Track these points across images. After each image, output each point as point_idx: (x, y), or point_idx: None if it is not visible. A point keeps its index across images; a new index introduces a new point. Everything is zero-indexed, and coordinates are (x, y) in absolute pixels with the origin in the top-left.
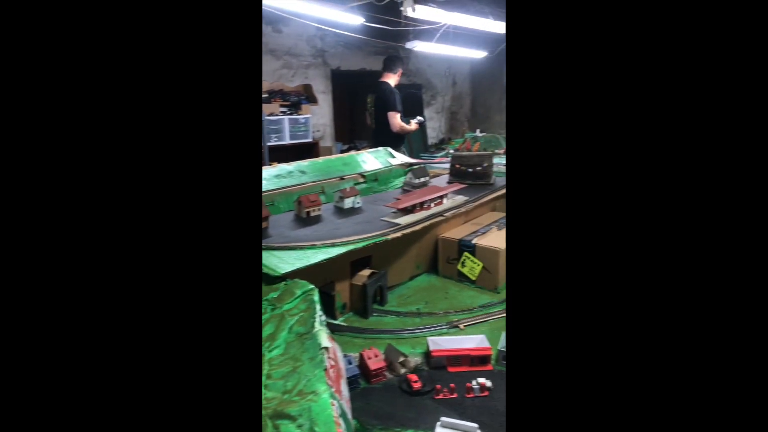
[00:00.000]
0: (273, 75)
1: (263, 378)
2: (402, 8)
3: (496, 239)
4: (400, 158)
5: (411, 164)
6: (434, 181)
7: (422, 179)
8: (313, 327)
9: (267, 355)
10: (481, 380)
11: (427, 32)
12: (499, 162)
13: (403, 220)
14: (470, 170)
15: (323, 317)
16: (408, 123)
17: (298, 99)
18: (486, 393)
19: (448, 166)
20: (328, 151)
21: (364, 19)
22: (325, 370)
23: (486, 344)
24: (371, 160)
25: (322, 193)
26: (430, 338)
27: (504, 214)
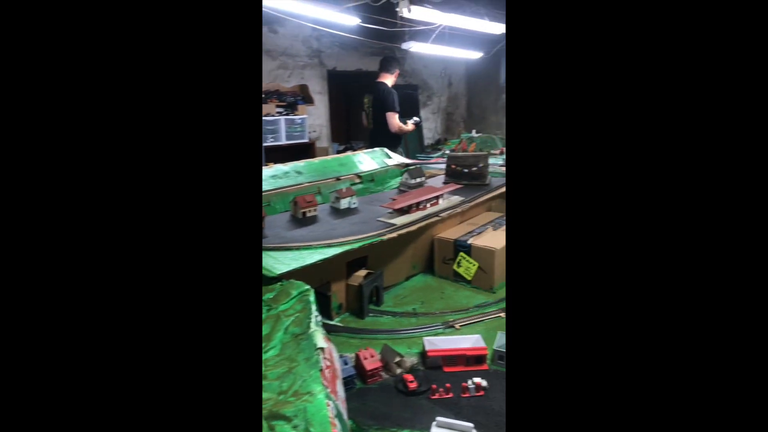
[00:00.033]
0: (269, 75)
1: None
2: (398, 9)
3: (491, 239)
4: (397, 159)
5: (407, 165)
6: (430, 182)
7: (418, 180)
8: (308, 327)
9: (263, 356)
10: (477, 380)
11: (422, 33)
12: (495, 162)
13: (399, 220)
14: (466, 171)
15: (319, 318)
16: (405, 123)
17: (294, 99)
18: (482, 393)
19: (444, 166)
20: (325, 152)
21: (359, 20)
22: (321, 370)
23: (482, 344)
24: (367, 160)
25: (318, 193)
26: (426, 338)
27: (500, 214)
